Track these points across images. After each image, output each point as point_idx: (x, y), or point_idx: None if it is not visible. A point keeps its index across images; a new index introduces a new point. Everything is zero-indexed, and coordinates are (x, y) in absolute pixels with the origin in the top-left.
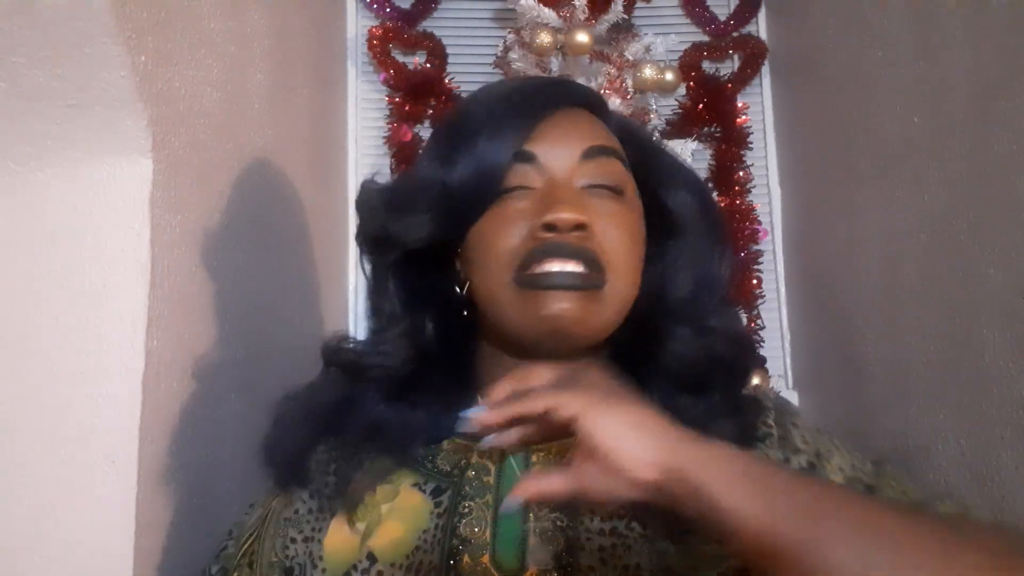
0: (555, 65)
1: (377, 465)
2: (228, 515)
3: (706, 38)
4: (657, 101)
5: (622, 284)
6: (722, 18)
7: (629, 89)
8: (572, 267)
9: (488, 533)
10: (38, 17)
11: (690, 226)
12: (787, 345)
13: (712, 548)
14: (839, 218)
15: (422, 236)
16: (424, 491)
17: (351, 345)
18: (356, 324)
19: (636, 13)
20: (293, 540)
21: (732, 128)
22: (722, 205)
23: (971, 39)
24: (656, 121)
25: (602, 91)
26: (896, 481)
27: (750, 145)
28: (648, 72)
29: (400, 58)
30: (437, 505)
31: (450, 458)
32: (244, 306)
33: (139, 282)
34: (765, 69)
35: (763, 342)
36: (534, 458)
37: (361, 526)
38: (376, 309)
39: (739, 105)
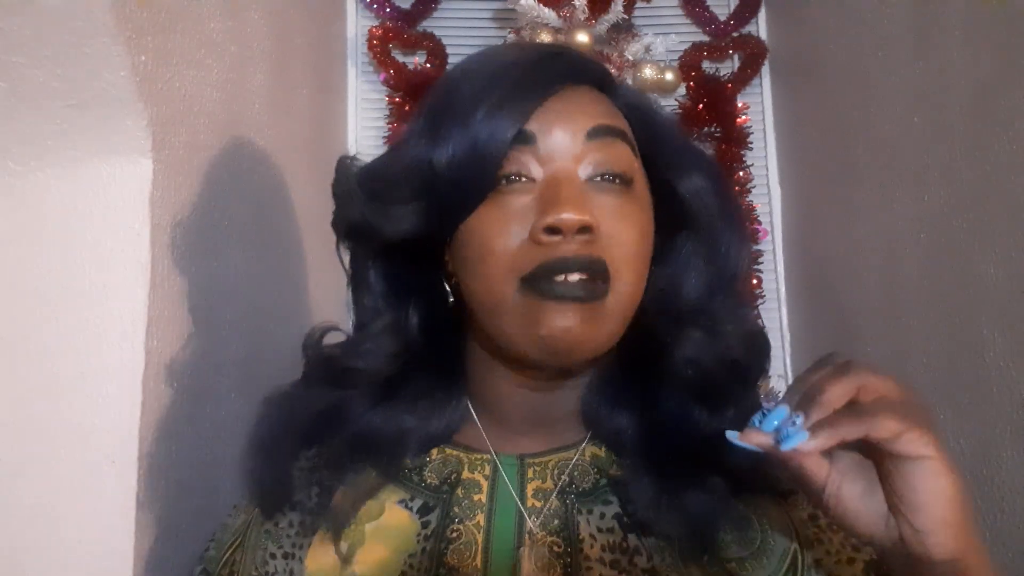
0: None
1: (362, 479)
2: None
3: (706, 38)
4: (657, 101)
5: (629, 289)
6: (722, 18)
7: None
8: (577, 276)
9: (479, 560)
10: (38, 17)
11: (704, 216)
12: (787, 345)
13: None
14: (839, 218)
15: (406, 229)
16: (411, 509)
17: (332, 347)
18: None
19: (636, 13)
20: (272, 555)
21: (732, 128)
22: None
23: (971, 39)
24: None
25: None
26: None
27: (750, 145)
28: (648, 72)
29: (400, 58)
30: (424, 526)
31: (439, 471)
32: (244, 306)
33: (139, 282)
34: (765, 69)
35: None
36: (530, 472)
37: (344, 546)
38: (357, 302)
39: (739, 105)
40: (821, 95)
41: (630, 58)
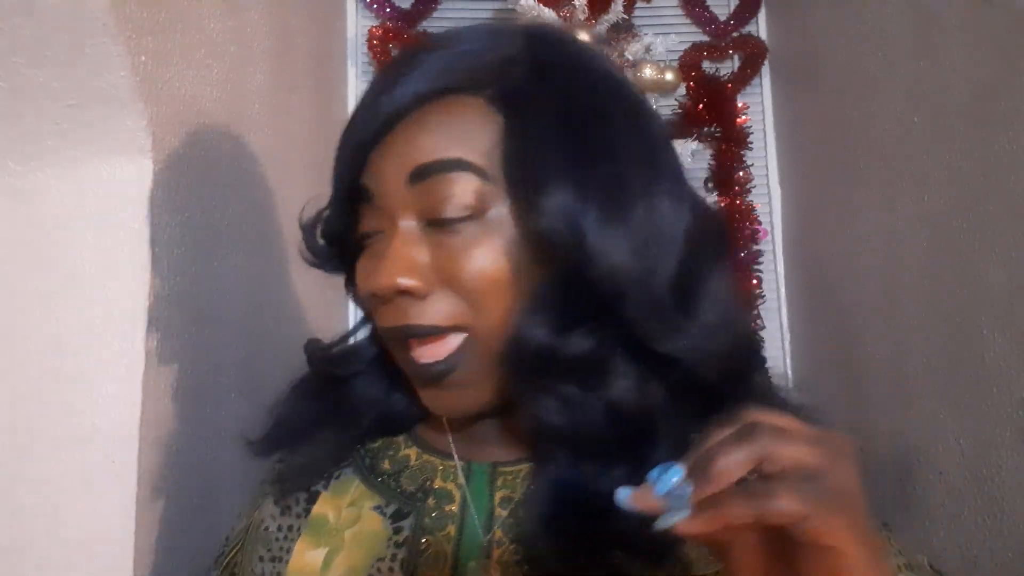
0: None
1: (343, 485)
2: (228, 515)
3: (706, 38)
4: (657, 101)
5: (495, 321)
6: (722, 18)
7: None
8: (422, 349)
9: (448, 572)
10: (38, 17)
11: (561, 241)
12: (787, 345)
13: None
14: (839, 218)
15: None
16: (385, 514)
17: (322, 349)
18: (355, 323)
19: (636, 13)
20: (261, 558)
21: (732, 128)
22: (722, 205)
23: (971, 39)
24: None
25: None
26: None
27: (750, 145)
28: (648, 72)
29: None
30: (396, 531)
31: (415, 477)
32: (244, 306)
33: (139, 282)
34: (765, 69)
35: (763, 342)
36: (499, 481)
37: (324, 552)
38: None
39: (739, 105)
40: (821, 95)
41: (630, 58)
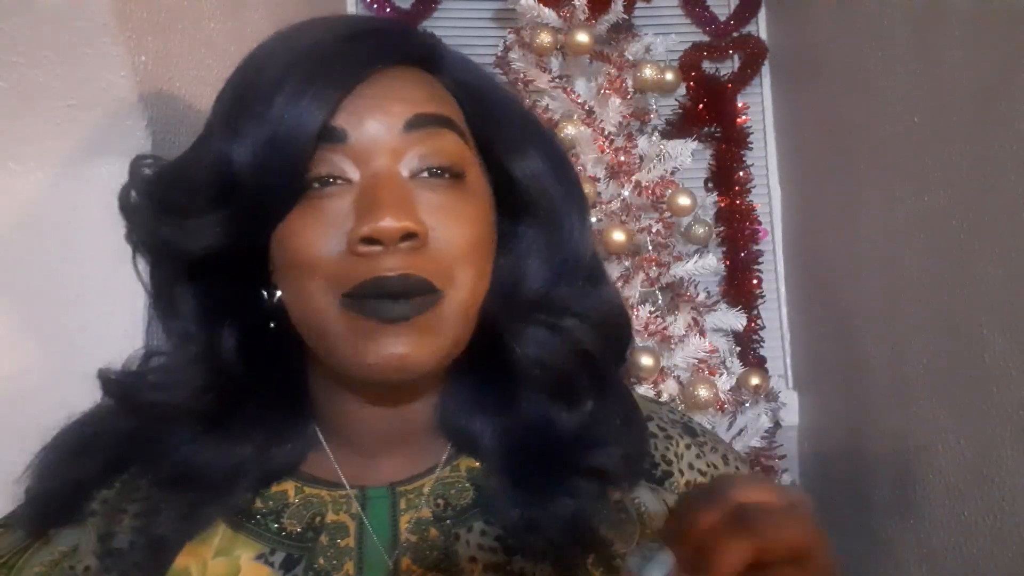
0: (555, 65)
1: (210, 535)
2: None
3: (706, 38)
4: (657, 101)
5: (466, 292)
6: (722, 18)
7: (629, 89)
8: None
9: None
10: (38, 17)
11: (542, 200)
12: (787, 345)
13: None
14: (839, 218)
15: (209, 244)
16: (272, 565)
17: (128, 376)
18: None
19: (636, 13)
20: None
21: (732, 128)
22: (722, 205)
23: (971, 39)
24: (656, 121)
25: (602, 91)
26: None
27: (750, 145)
28: (648, 72)
29: None
30: None
31: (300, 515)
32: None
33: (139, 282)
34: (765, 69)
35: (763, 342)
36: (403, 503)
37: None
38: (162, 326)
39: (739, 105)
40: (821, 95)
41: (630, 58)
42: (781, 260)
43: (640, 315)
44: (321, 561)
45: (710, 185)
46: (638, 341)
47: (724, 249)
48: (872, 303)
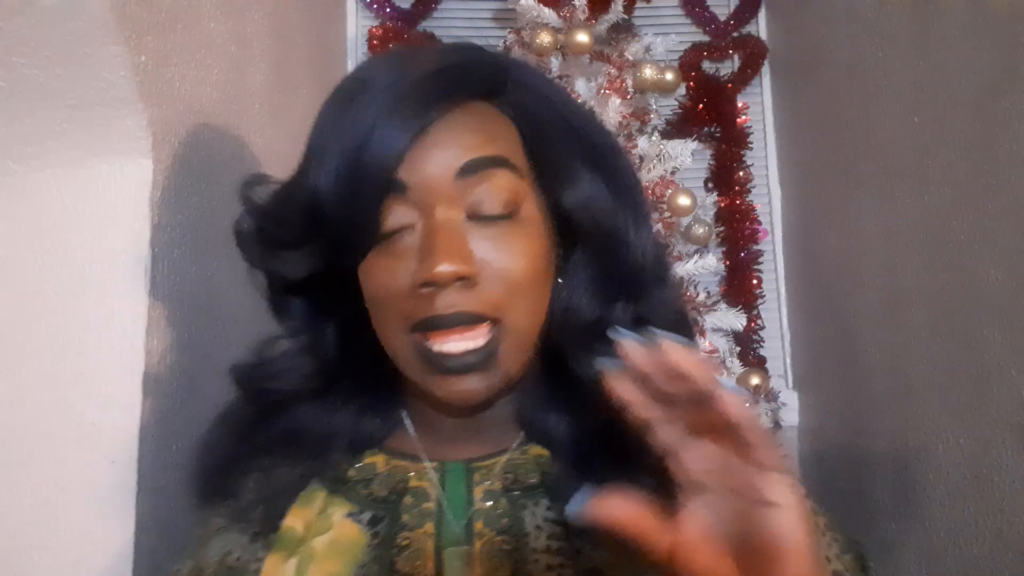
0: (555, 65)
1: (310, 496)
2: None
3: (706, 38)
4: (657, 101)
5: (524, 321)
6: (722, 18)
7: (629, 89)
8: (458, 339)
9: (430, 567)
10: (38, 17)
11: (593, 227)
12: (787, 345)
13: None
14: (839, 218)
15: (304, 273)
16: (360, 522)
17: (247, 367)
18: None
19: (636, 13)
20: None
21: (732, 128)
22: (722, 205)
23: (971, 39)
24: (656, 121)
25: (602, 91)
26: None
27: (750, 145)
28: (648, 72)
29: None
30: (374, 536)
31: (386, 482)
32: (244, 306)
33: (139, 282)
34: (765, 69)
35: (763, 342)
36: (477, 476)
37: (294, 562)
38: (277, 321)
39: (739, 105)
40: (821, 95)
41: (630, 58)
42: (781, 260)
43: None
44: (405, 518)
45: (710, 185)
46: None
47: (724, 249)
48: (872, 303)
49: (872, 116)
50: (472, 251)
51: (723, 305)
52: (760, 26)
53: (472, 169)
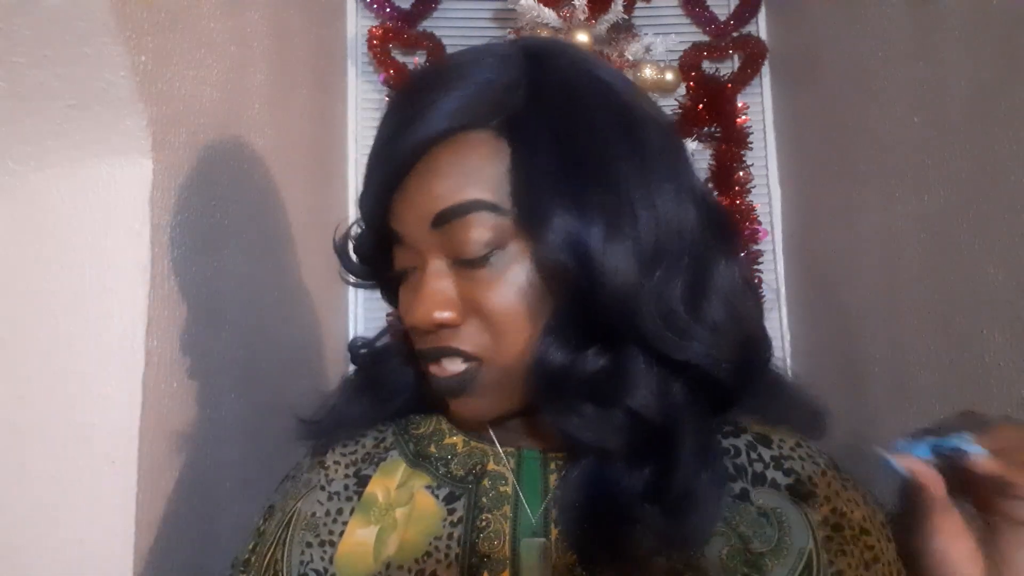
0: None
1: (391, 467)
2: (228, 515)
3: (706, 38)
4: (657, 101)
5: (511, 352)
6: (722, 18)
7: None
8: (445, 367)
9: (507, 548)
10: (38, 17)
11: (567, 273)
12: (787, 345)
13: None
14: (839, 218)
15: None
16: (437, 496)
17: (362, 344)
18: (355, 324)
19: (636, 13)
20: (309, 544)
21: (732, 128)
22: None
23: (971, 39)
24: None
25: None
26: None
27: (750, 145)
28: (648, 72)
29: (400, 58)
30: (451, 512)
31: (464, 463)
32: (244, 306)
33: (139, 282)
34: (765, 69)
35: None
36: (552, 465)
37: (376, 530)
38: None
39: (739, 105)
40: (821, 95)
41: (630, 58)
42: (781, 260)
43: None
44: (484, 500)
45: (710, 185)
46: None
47: None
48: (872, 303)
49: (872, 116)
50: (457, 295)
51: None
52: (760, 26)
53: (445, 218)
